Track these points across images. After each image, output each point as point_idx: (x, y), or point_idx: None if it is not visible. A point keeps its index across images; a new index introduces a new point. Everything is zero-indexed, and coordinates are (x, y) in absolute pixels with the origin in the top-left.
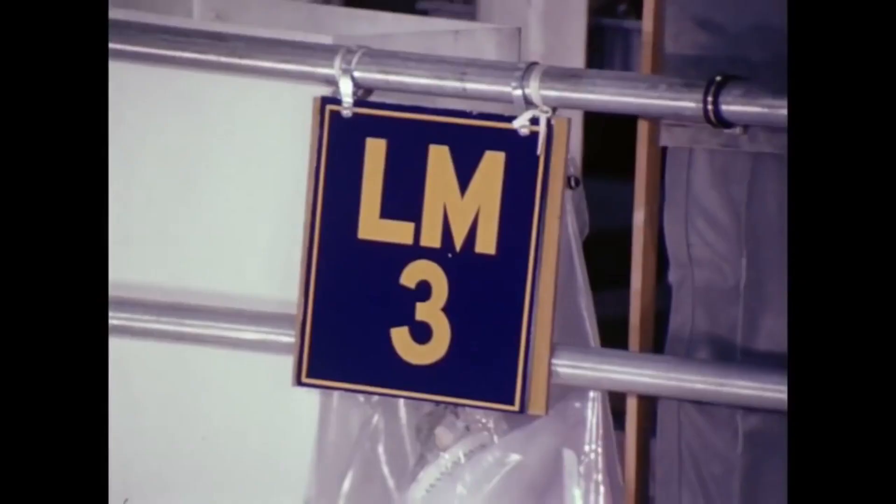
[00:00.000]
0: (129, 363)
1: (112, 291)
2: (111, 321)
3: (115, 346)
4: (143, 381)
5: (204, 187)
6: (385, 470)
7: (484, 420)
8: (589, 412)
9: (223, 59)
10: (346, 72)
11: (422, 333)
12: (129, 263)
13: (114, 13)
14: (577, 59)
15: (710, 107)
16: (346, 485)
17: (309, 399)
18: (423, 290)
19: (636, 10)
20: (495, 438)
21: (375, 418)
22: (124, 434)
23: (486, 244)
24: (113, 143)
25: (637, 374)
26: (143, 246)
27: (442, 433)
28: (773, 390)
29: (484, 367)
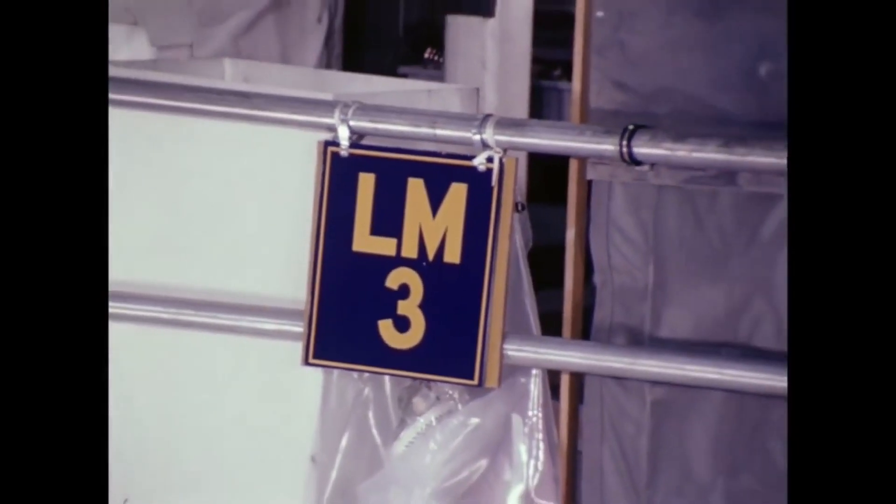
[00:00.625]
0: (163, 354)
1: (159, 292)
2: (159, 314)
3: (155, 336)
4: (179, 363)
5: (237, 209)
6: (374, 431)
7: (451, 392)
8: (532, 386)
9: (248, 111)
10: (344, 121)
11: (402, 325)
12: (169, 270)
13: (162, 76)
14: (522, 111)
15: (624, 149)
16: (344, 442)
17: (313, 377)
18: (404, 291)
19: (567, 75)
20: (459, 406)
21: (366, 391)
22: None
23: (453, 255)
24: (162, 181)
25: (569, 356)
26: (185, 256)
27: (418, 402)
28: (674, 368)
29: (450, 350)
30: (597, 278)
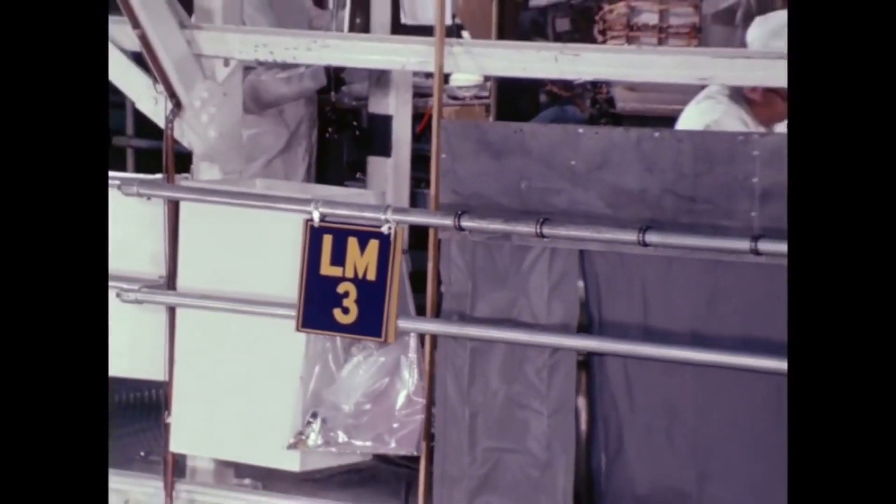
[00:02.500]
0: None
1: (229, 295)
2: (229, 307)
3: (225, 319)
4: (238, 330)
5: (270, 247)
6: (331, 364)
7: (371, 345)
8: (411, 341)
9: (272, 204)
10: (315, 209)
11: (346, 311)
12: (232, 282)
13: (230, 187)
14: (406, 203)
15: (456, 223)
16: (316, 370)
17: (301, 337)
18: (346, 294)
19: (429, 186)
20: (375, 352)
21: (328, 344)
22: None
23: (371, 276)
24: (229, 236)
25: (429, 326)
26: (241, 275)
27: (354, 350)
28: (481, 331)
29: (370, 324)
30: (443, 287)
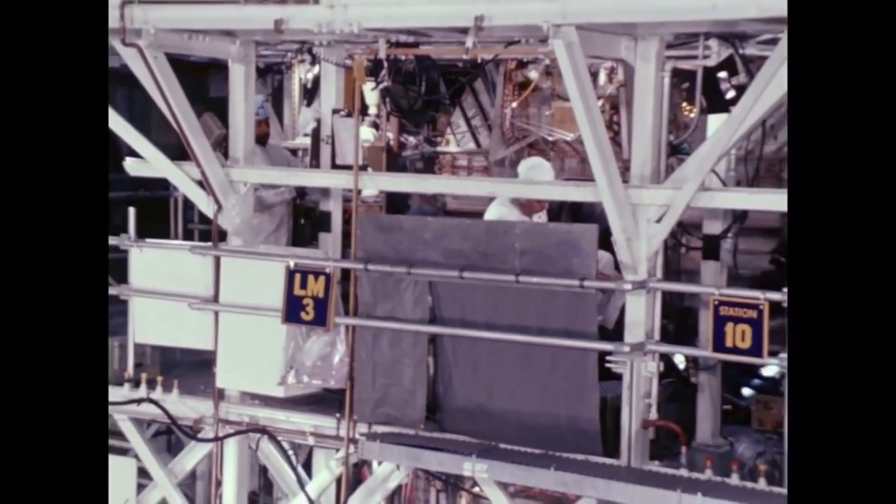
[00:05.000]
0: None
1: (249, 304)
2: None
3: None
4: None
5: (264, 283)
6: (300, 340)
7: (320, 330)
8: (342, 329)
9: (268, 259)
10: (291, 260)
11: (307, 313)
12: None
13: (245, 250)
14: (339, 256)
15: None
16: (293, 344)
17: (284, 328)
18: (308, 304)
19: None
20: (323, 335)
21: (298, 330)
22: None
23: (320, 294)
24: (249, 275)
25: (350, 321)
26: (251, 294)
27: (311, 334)
28: (378, 325)
29: (320, 320)
30: (358, 300)
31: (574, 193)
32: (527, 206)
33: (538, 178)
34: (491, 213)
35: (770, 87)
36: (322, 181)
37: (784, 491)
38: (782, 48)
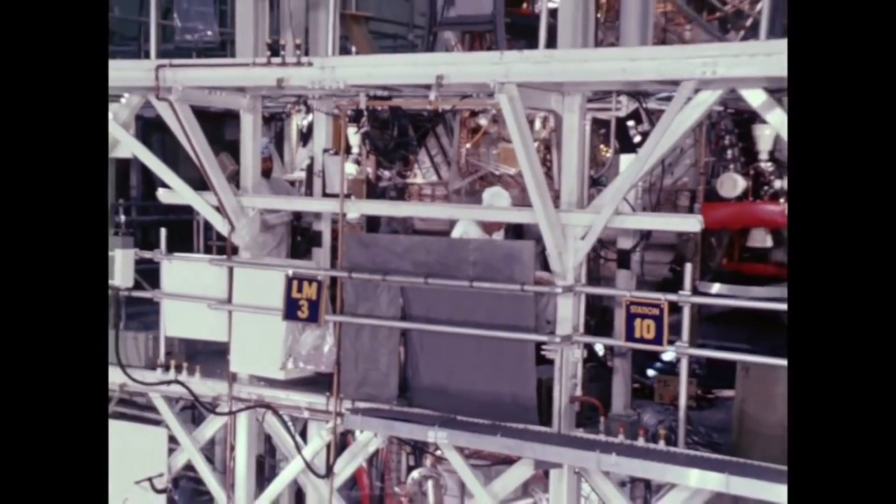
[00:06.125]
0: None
1: (258, 304)
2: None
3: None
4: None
5: (268, 288)
6: (297, 333)
7: (313, 325)
8: (331, 324)
9: (268, 268)
10: (290, 270)
11: (302, 312)
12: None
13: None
14: (328, 266)
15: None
16: (291, 336)
17: (284, 324)
18: (303, 305)
19: None
20: (315, 329)
21: (295, 325)
22: None
23: (313, 297)
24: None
25: (337, 318)
26: (262, 299)
27: (306, 329)
28: (360, 321)
29: (313, 317)
30: (344, 301)
31: (515, 216)
32: (488, 226)
33: (498, 203)
34: (457, 231)
35: (667, 133)
36: (314, 207)
37: (678, 450)
38: (675, 104)
